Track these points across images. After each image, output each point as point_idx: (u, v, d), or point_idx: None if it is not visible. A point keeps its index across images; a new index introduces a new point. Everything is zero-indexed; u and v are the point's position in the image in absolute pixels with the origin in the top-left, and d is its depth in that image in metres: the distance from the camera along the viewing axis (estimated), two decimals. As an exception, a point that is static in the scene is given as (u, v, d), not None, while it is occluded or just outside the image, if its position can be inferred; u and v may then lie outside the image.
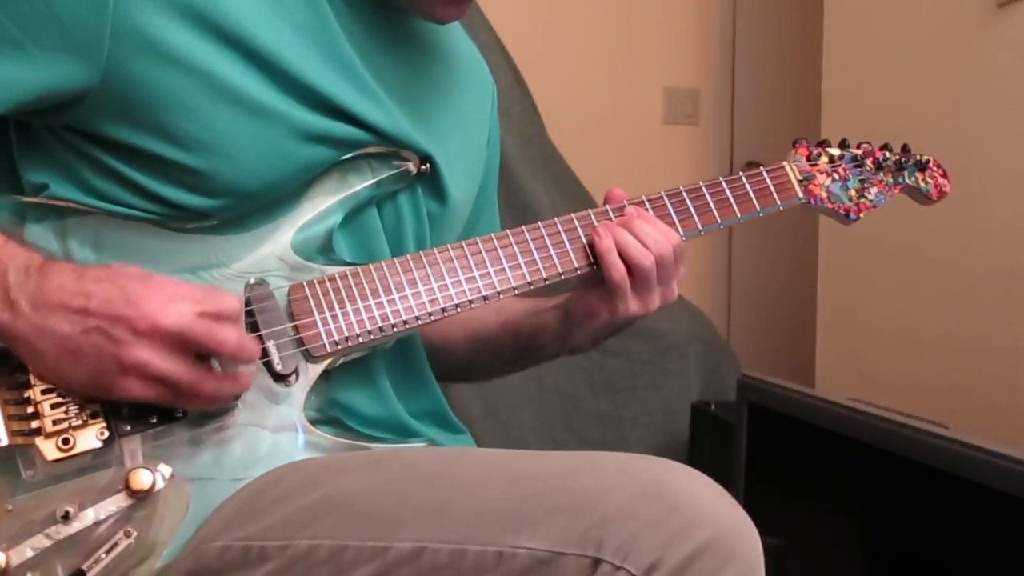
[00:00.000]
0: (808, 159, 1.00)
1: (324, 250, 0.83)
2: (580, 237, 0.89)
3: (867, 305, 2.14)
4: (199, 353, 0.73)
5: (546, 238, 0.88)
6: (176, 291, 0.72)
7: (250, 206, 0.81)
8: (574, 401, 2.23)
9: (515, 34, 2.18)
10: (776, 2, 2.93)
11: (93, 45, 0.74)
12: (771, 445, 1.74)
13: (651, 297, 0.89)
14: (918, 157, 1.04)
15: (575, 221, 0.90)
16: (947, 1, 1.89)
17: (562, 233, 0.89)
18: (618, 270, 0.86)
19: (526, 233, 0.88)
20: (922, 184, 1.04)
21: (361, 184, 0.84)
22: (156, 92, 0.76)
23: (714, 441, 2.05)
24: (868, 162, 1.02)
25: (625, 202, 0.91)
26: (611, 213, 0.90)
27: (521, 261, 0.87)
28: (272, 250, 0.81)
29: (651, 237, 0.87)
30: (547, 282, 0.88)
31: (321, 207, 0.83)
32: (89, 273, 0.72)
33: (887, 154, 1.03)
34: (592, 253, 0.88)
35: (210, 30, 0.77)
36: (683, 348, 2.28)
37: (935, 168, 1.05)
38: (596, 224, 0.89)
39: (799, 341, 2.54)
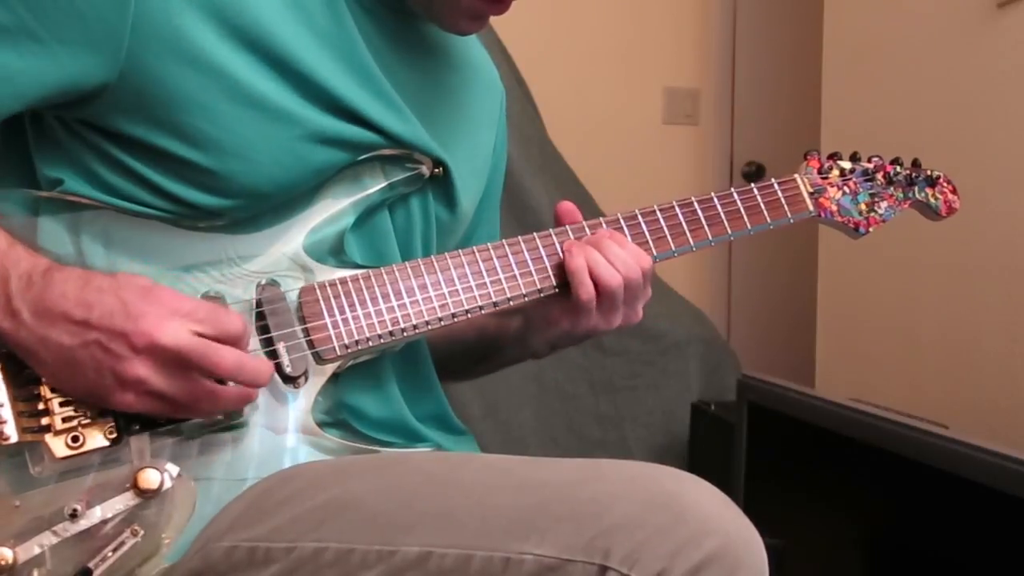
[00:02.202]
0: (819, 172, 1.00)
1: (335, 252, 0.83)
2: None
3: (867, 305, 2.14)
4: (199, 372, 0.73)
5: (556, 245, 0.89)
6: (178, 307, 0.71)
7: (263, 206, 0.80)
8: (574, 401, 2.23)
9: (516, 34, 2.18)
10: (776, 2, 2.93)
11: (113, 41, 0.74)
12: (771, 445, 1.74)
13: (614, 316, 0.89)
14: (928, 172, 1.04)
15: (587, 230, 0.90)
16: (947, 1, 1.90)
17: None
18: (587, 290, 0.86)
19: (537, 240, 0.88)
20: (932, 200, 1.04)
21: (375, 186, 0.84)
22: (173, 90, 0.76)
23: (714, 441, 2.06)
24: (879, 176, 1.02)
25: (619, 215, 0.92)
26: (605, 225, 0.90)
27: (532, 267, 0.87)
28: (284, 251, 0.81)
29: (620, 258, 0.87)
30: (556, 289, 0.88)
31: (334, 209, 0.83)
32: (93, 282, 0.71)
33: (898, 168, 1.03)
34: (562, 270, 0.88)
35: (230, 31, 0.77)
36: (683, 348, 2.28)
37: (945, 184, 1.05)
38: (568, 241, 0.88)
39: (799, 341, 2.54)
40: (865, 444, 1.43)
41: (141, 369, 0.70)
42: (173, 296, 0.72)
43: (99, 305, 0.70)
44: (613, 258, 0.86)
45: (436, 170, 0.87)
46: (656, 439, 2.26)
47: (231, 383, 0.74)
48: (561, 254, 0.88)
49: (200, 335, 0.71)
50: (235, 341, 0.74)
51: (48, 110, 0.78)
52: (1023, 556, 1.18)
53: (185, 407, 0.72)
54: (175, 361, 0.70)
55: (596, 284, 0.86)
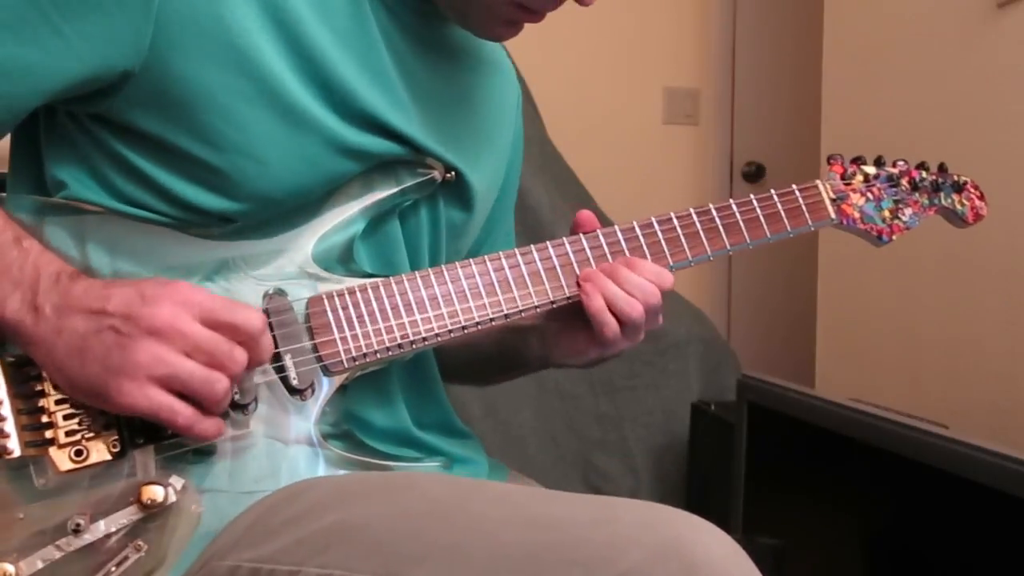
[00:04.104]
0: (843, 177, 0.97)
1: (344, 260, 0.82)
2: (589, 259, 0.87)
3: (867, 305, 2.14)
4: (210, 363, 0.71)
5: (570, 254, 0.87)
6: (195, 295, 0.71)
7: (271, 213, 0.80)
8: (574, 401, 2.23)
9: (515, 34, 2.19)
10: (776, 2, 2.93)
11: (136, 36, 0.73)
12: (771, 445, 1.74)
13: (639, 335, 0.88)
14: (955, 178, 1.01)
15: (601, 238, 0.88)
16: (947, 1, 1.89)
17: (587, 250, 0.87)
18: (611, 328, 0.84)
19: (550, 248, 0.86)
20: (958, 206, 1.01)
21: (386, 192, 0.83)
22: (194, 87, 0.75)
23: (714, 441, 2.06)
24: (904, 182, 0.99)
25: (634, 223, 0.89)
26: (620, 234, 0.88)
27: (544, 276, 0.85)
28: (292, 259, 0.80)
29: (637, 286, 0.85)
30: (569, 300, 0.86)
31: (344, 215, 0.82)
32: (115, 281, 0.72)
33: (923, 174, 1.00)
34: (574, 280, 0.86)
35: (271, 24, 0.76)
36: (683, 348, 2.28)
37: (972, 190, 1.02)
38: (583, 275, 0.86)
39: (799, 341, 2.54)
40: (865, 444, 1.43)
41: (155, 347, 0.68)
42: (190, 286, 0.72)
43: (117, 295, 0.70)
44: (631, 288, 0.84)
45: (448, 175, 0.86)
46: (656, 439, 2.26)
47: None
48: (575, 264, 0.86)
49: (216, 323, 0.71)
50: (249, 337, 0.72)
51: (61, 105, 0.77)
52: (1023, 556, 1.17)
53: (198, 393, 0.70)
54: (191, 345, 0.69)
55: (618, 318, 0.84)
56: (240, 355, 0.71)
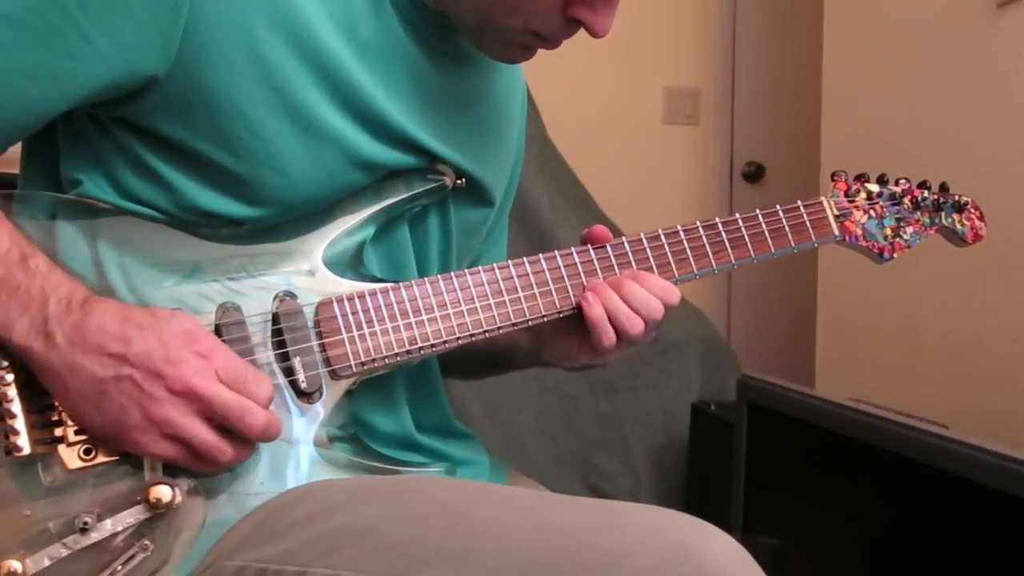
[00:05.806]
0: (846, 194, 0.98)
1: (354, 264, 0.82)
2: (596, 270, 0.88)
3: (867, 305, 2.15)
4: (223, 425, 0.72)
5: (578, 264, 0.87)
6: (217, 359, 0.72)
7: (285, 218, 0.80)
8: (574, 401, 2.23)
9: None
10: (776, 2, 2.93)
11: (164, 44, 0.73)
12: (771, 445, 1.74)
13: (631, 349, 0.88)
14: (956, 198, 1.03)
15: (608, 249, 0.89)
16: (947, 1, 1.90)
17: (595, 261, 0.88)
18: (608, 337, 0.85)
19: (559, 258, 0.87)
20: (958, 226, 1.02)
21: (396, 197, 0.84)
22: (218, 97, 0.75)
23: (714, 441, 2.06)
24: (906, 200, 1.00)
25: (641, 235, 0.89)
26: (628, 246, 0.88)
27: (552, 287, 0.86)
28: (302, 262, 0.81)
29: (641, 301, 0.85)
30: (574, 311, 0.87)
31: (354, 220, 0.82)
32: (133, 318, 0.71)
33: (925, 193, 1.01)
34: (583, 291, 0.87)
35: (288, 39, 0.76)
36: (683, 348, 2.28)
37: (973, 210, 1.03)
38: (590, 285, 0.86)
39: (799, 341, 2.54)
40: (865, 444, 1.43)
41: (172, 411, 0.70)
42: (213, 344, 0.72)
43: (138, 343, 0.70)
44: (636, 303, 0.85)
45: (459, 181, 0.87)
46: (656, 439, 2.26)
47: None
48: (583, 276, 0.87)
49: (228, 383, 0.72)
50: (262, 405, 0.74)
51: (83, 108, 0.77)
52: (1023, 556, 1.18)
53: (204, 458, 0.72)
54: (207, 411, 0.71)
55: (617, 331, 0.85)
56: (251, 430, 0.72)
